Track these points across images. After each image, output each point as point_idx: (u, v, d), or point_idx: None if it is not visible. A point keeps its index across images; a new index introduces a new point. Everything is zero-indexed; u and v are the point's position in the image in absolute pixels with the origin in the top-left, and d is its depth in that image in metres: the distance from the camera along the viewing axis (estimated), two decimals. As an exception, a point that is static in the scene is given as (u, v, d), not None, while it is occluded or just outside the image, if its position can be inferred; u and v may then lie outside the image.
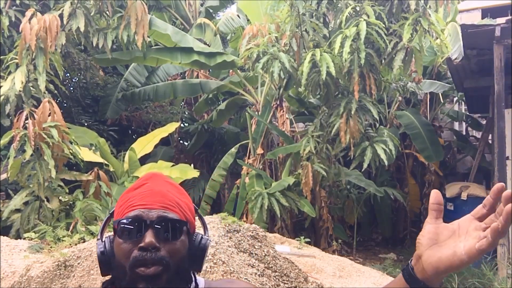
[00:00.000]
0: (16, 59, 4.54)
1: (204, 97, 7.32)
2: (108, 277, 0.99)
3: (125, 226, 0.92)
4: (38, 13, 4.55)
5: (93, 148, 5.49)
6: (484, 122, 7.17)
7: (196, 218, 1.03)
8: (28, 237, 3.72)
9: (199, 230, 1.01)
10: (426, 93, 6.76)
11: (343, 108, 4.54)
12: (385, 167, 5.29)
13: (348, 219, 6.19)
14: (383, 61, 4.68)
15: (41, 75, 4.43)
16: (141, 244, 0.88)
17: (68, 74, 6.82)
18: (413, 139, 6.18)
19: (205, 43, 6.67)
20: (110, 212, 1.04)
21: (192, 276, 1.00)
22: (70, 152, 4.19)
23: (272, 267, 2.96)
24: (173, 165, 5.62)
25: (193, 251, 0.96)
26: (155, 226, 0.90)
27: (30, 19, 4.43)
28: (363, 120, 4.62)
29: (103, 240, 0.98)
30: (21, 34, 4.43)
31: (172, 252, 0.91)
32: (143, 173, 5.41)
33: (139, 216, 0.91)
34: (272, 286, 2.86)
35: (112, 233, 0.98)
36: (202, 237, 0.99)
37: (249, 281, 2.53)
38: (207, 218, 3.54)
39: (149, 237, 0.88)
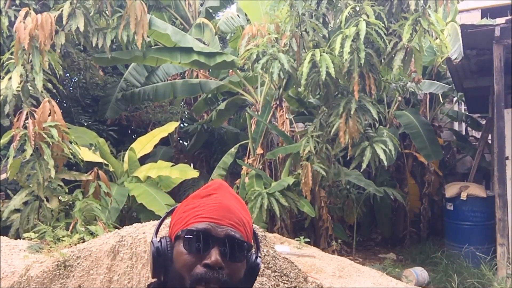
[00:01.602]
0: (13, 58, 4.53)
1: (203, 96, 7.32)
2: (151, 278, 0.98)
3: (192, 237, 0.90)
4: (32, 12, 4.53)
5: (93, 148, 5.49)
6: (483, 122, 7.18)
7: None
8: (27, 237, 3.72)
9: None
10: (426, 93, 6.76)
11: (343, 108, 4.54)
12: (385, 167, 5.29)
13: (348, 219, 6.19)
14: (382, 61, 4.68)
15: (38, 75, 4.42)
16: (207, 262, 0.87)
17: (68, 74, 6.82)
18: (412, 138, 6.19)
19: (204, 43, 6.67)
20: (168, 212, 1.03)
21: None
22: (69, 152, 4.19)
23: (271, 267, 2.96)
24: (172, 165, 5.62)
25: (247, 270, 0.95)
26: (222, 244, 0.90)
27: (24, 18, 4.42)
28: (362, 120, 4.62)
29: (159, 240, 0.96)
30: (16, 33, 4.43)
31: (234, 273, 0.90)
32: (142, 173, 5.42)
33: (207, 230, 0.90)
34: (271, 286, 2.86)
35: (168, 235, 0.97)
36: (256, 258, 0.98)
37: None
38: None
39: (215, 255, 0.88)
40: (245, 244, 0.93)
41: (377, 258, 5.97)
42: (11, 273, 3.07)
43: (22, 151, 4.11)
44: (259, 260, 0.98)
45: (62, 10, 4.84)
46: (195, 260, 0.89)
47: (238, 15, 7.69)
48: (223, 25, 7.39)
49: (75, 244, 3.41)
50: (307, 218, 5.59)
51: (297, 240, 4.43)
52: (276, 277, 2.91)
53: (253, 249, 1.02)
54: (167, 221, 1.07)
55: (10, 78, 4.36)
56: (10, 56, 4.60)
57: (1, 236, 3.73)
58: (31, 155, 4.00)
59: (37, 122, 4.06)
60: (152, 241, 0.96)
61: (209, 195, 0.96)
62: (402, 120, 6.30)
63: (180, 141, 8.24)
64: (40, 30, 4.40)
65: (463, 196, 5.40)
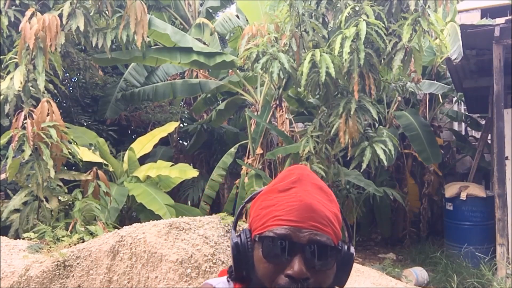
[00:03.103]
0: (15, 58, 4.53)
1: (202, 96, 7.32)
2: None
3: (270, 244, 0.81)
4: (38, 13, 4.54)
5: (92, 148, 5.49)
6: (483, 122, 7.18)
7: None
8: (27, 237, 3.72)
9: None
10: (426, 93, 6.77)
11: (343, 108, 4.54)
12: (385, 167, 5.29)
13: (348, 219, 6.18)
14: (382, 61, 4.68)
15: (41, 75, 4.42)
16: (290, 272, 0.78)
17: (68, 74, 6.82)
18: (411, 140, 6.18)
19: (204, 43, 6.67)
20: (247, 200, 0.94)
21: None
22: (69, 152, 4.19)
23: (271, 267, 2.96)
24: (172, 165, 5.62)
25: (338, 265, 0.85)
26: (307, 252, 0.80)
27: (29, 18, 4.43)
28: (362, 120, 4.62)
29: (238, 234, 0.89)
30: (21, 33, 4.43)
31: (321, 281, 0.82)
32: (142, 173, 5.42)
33: (288, 236, 0.80)
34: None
35: (248, 226, 0.89)
36: (347, 249, 0.88)
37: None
38: (206, 218, 3.54)
39: (299, 265, 0.78)
40: (333, 248, 0.82)
41: (376, 258, 5.97)
42: (10, 273, 3.07)
43: (21, 151, 4.11)
44: (352, 249, 0.89)
45: (62, 10, 4.84)
46: (276, 269, 0.80)
47: (237, 16, 7.69)
48: (219, 25, 7.39)
49: (75, 244, 3.41)
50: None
51: (296, 240, 4.42)
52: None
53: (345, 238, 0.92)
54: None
55: (12, 78, 4.36)
56: (12, 56, 4.60)
57: (1, 236, 3.73)
58: (30, 155, 4.00)
59: (35, 122, 4.06)
60: (231, 236, 0.89)
61: (288, 189, 0.85)
62: (402, 121, 6.30)
63: (180, 141, 8.24)
64: (47, 32, 4.40)
65: (463, 196, 5.41)
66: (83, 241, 3.48)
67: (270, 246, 0.81)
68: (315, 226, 0.81)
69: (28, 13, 4.47)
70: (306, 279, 0.79)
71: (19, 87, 4.32)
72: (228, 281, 0.92)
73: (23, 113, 4.12)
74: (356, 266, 4.03)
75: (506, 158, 4.60)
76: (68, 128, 4.40)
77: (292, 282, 0.78)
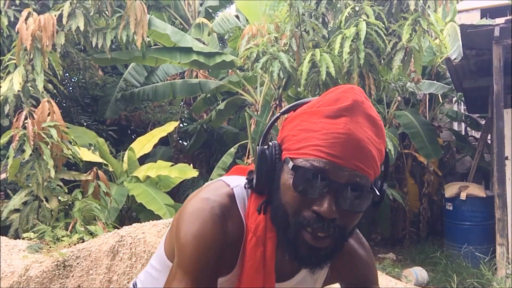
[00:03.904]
0: (14, 59, 4.53)
1: (202, 96, 7.32)
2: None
3: (304, 175, 0.73)
4: (34, 13, 4.54)
5: (92, 148, 5.49)
6: (483, 122, 7.18)
7: None
8: (27, 237, 3.72)
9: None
10: (425, 93, 6.77)
11: (342, 108, 4.54)
12: (384, 167, 5.28)
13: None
14: (382, 61, 4.68)
15: (39, 75, 4.42)
16: (318, 209, 0.72)
17: (67, 74, 6.82)
18: (411, 138, 6.19)
19: (203, 43, 6.67)
20: (283, 111, 0.85)
21: None
22: (69, 152, 4.19)
23: (271, 267, 2.96)
24: (172, 165, 5.62)
25: (372, 200, 0.78)
26: (341, 192, 0.73)
27: (26, 19, 4.42)
28: (362, 120, 4.62)
29: (266, 146, 0.81)
30: (18, 34, 4.43)
31: (348, 223, 0.76)
32: (142, 173, 5.42)
33: (326, 171, 0.72)
34: (271, 286, 2.86)
35: (278, 139, 0.81)
36: (381, 185, 0.81)
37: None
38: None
39: (329, 205, 0.72)
40: (370, 191, 0.75)
41: (376, 258, 5.97)
42: (10, 273, 3.07)
43: (21, 151, 4.11)
44: (385, 185, 0.83)
45: (61, 10, 4.84)
46: (304, 202, 0.74)
47: (237, 16, 7.69)
48: (217, 26, 7.39)
49: (75, 244, 3.41)
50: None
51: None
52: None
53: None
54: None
55: (11, 79, 4.36)
56: (11, 56, 4.60)
57: (1, 236, 3.72)
58: (30, 155, 4.00)
59: (36, 122, 4.06)
60: (257, 147, 0.81)
61: (336, 117, 0.74)
62: (402, 120, 6.30)
63: (180, 141, 8.24)
64: (43, 31, 4.40)
65: (463, 196, 5.41)
66: (83, 241, 3.48)
67: (304, 177, 0.73)
68: (358, 166, 0.73)
69: (24, 13, 4.46)
70: (333, 219, 0.73)
71: (19, 88, 4.32)
72: (245, 187, 0.85)
73: (24, 113, 4.12)
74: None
75: (506, 158, 4.60)
76: (68, 128, 4.40)
77: (319, 220, 0.72)
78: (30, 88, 4.49)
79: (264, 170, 0.79)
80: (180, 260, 0.81)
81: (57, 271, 3.03)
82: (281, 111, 0.86)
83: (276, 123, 0.97)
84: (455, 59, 5.23)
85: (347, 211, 0.74)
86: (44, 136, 4.01)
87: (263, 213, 0.82)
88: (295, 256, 0.77)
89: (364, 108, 0.76)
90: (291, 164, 0.75)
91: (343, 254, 0.89)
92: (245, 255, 0.82)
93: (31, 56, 4.46)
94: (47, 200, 4.14)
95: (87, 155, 5.11)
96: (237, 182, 0.88)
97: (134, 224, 3.36)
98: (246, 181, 0.86)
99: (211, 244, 0.79)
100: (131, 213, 5.65)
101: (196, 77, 7.22)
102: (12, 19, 5.18)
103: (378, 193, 0.79)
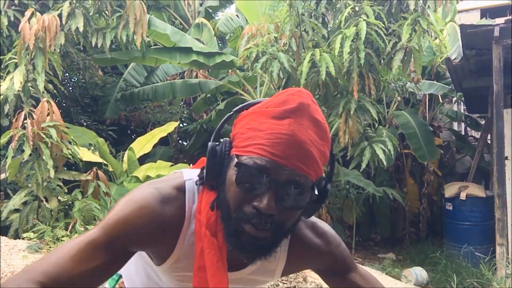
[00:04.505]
0: (15, 59, 4.53)
1: (202, 96, 7.32)
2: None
3: (246, 172, 0.77)
4: (38, 13, 4.54)
5: (92, 148, 5.49)
6: (483, 122, 7.18)
7: None
8: (27, 237, 3.71)
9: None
10: (425, 93, 6.77)
11: (342, 108, 4.54)
12: (384, 167, 5.29)
13: (347, 219, 6.19)
14: (382, 61, 4.68)
15: (40, 75, 4.42)
16: (257, 205, 0.76)
17: (67, 74, 6.82)
18: (408, 138, 6.20)
19: (203, 43, 6.67)
20: (236, 110, 0.89)
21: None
22: (68, 152, 4.19)
23: (271, 267, 2.95)
24: (172, 165, 5.61)
25: (314, 198, 0.82)
26: (281, 189, 0.76)
27: (29, 19, 4.43)
28: (362, 120, 4.62)
29: (218, 142, 0.85)
30: (20, 34, 4.43)
31: (288, 219, 0.80)
32: (142, 173, 5.42)
33: (267, 170, 0.75)
34: (271, 286, 2.86)
35: (230, 137, 0.85)
36: (324, 185, 0.85)
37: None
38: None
39: (268, 201, 0.75)
40: (309, 190, 0.79)
41: (376, 258, 5.97)
42: (10, 273, 3.06)
43: (21, 151, 4.11)
44: (329, 186, 0.86)
45: (61, 10, 4.84)
46: (246, 197, 0.77)
47: (237, 15, 7.68)
48: (222, 25, 7.38)
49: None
50: (307, 218, 5.58)
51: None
52: (276, 277, 2.91)
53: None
54: None
55: (12, 78, 4.36)
56: (11, 56, 4.60)
57: (1, 236, 3.72)
58: (30, 155, 3.99)
59: (35, 122, 4.06)
60: (209, 143, 0.84)
61: (281, 118, 0.77)
62: (400, 120, 6.31)
63: (180, 141, 8.24)
64: (47, 32, 4.40)
65: (462, 196, 5.41)
66: (83, 241, 3.47)
67: (246, 174, 0.77)
68: (298, 166, 0.76)
69: (28, 13, 4.46)
70: (272, 215, 0.76)
71: (19, 87, 4.32)
72: (197, 184, 0.89)
73: (23, 113, 4.12)
74: (355, 266, 4.03)
75: (506, 158, 4.60)
76: (68, 128, 4.39)
77: (257, 215, 0.76)
78: (30, 88, 4.49)
79: (213, 166, 0.83)
80: (103, 220, 0.87)
81: (57, 271, 3.03)
82: (234, 109, 0.89)
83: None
84: (455, 59, 5.23)
85: (286, 208, 0.78)
86: (44, 136, 4.01)
87: (215, 208, 0.85)
88: (236, 245, 0.81)
89: (309, 111, 0.79)
90: (235, 161, 0.79)
91: (298, 246, 0.94)
92: (200, 247, 0.86)
93: (32, 56, 4.46)
94: (47, 200, 4.14)
95: (87, 155, 5.11)
96: (193, 175, 0.92)
97: (134, 224, 3.35)
98: (198, 178, 0.89)
99: (137, 219, 0.83)
100: (131, 213, 5.64)
101: (196, 77, 7.22)
102: (12, 19, 5.18)
103: (319, 192, 0.83)
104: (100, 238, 0.84)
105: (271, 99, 0.82)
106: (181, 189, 0.90)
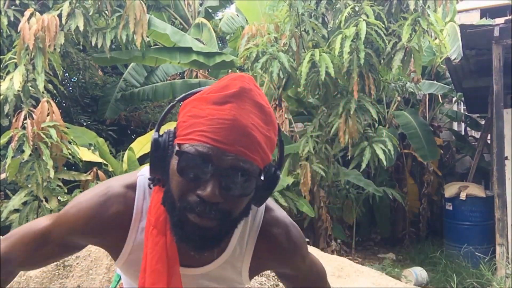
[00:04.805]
0: (14, 59, 4.53)
1: (202, 96, 7.31)
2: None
3: (188, 161, 0.75)
4: (37, 13, 4.54)
5: (92, 148, 5.48)
6: (483, 122, 7.18)
7: None
8: (26, 237, 3.71)
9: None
10: (425, 93, 6.77)
11: (342, 108, 4.54)
12: (384, 167, 5.30)
13: (347, 219, 6.19)
14: (382, 61, 4.68)
15: (40, 75, 4.42)
16: (201, 193, 0.74)
17: (67, 74, 6.82)
18: (409, 138, 6.20)
19: (203, 43, 6.67)
20: (178, 99, 0.86)
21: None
22: (68, 152, 4.19)
23: (271, 267, 2.96)
24: (172, 165, 5.60)
25: (259, 186, 0.80)
26: (224, 176, 0.74)
27: (29, 19, 4.43)
28: (362, 120, 4.62)
29: (160, 133, 0.82)
30: (20, 33, 4.43)
31: (234, 207, 0.78)
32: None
33: (208, 157, 0.73)
34: (271, 286, 2.86)
35: (175, 127, 0.82)
36: (274, 172, 0.83)
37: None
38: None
39: (212, 188, 0.73)
40: (255, 176, 0.77)
41: (376, 258, 5.97)
42: (10, 273, 3.06)
43: (21, 151, 4.11)
44: (278, 173, 0.83)
45: (61, 10, 4.84)
46: (189, 186, 0.75)
47: (237, 15, 7.68)
48: (224, 25, 7.38)
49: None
50: (306, 218, 5.59)
51: (296, 240, 4.42)
52: (275, 277, 2.91)
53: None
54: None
55: (11, 78, 4.36)
56: (11, 56, 4.59)
57: (1, 236, 3.72)
58: (30, 155, 3.99)
59: (35, 122, 4.05)
60: (152, 135, 0.82)
61: (222, 104, 0.75)
62: (400, 120, 6.31)
63: (180, 141, 8.23)
64: (46, 32, 4.40)
65: (462, 196, 5.41)
66: (83, 241, 3.47)
67: (187, 162, 0.74)
68: (242, 152, 0.74)
69: (27, 13, 4.46)
70: (217, 203, 0.74)
71: (19, 87, 4.32)
72: (150, 187, 0.89)
73: (23, 113, 4.12)
74: (355, 266, 4.03)
75: (506, 158, 4.60)
76: (67, 128, 4.39)
77: (202, 203, 0.74)
78: (30, 88, 4.49)
79: (156, 158, 0.80)
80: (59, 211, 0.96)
81: (57, 271, 3.03)
82: (177, 98, 0.87)
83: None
84: (455, 59, 5.23)
85: (231, 196, 0.75)
86: (44, 136, 4.01)
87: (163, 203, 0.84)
88: (181, 236, 0.79)
89: (251, 96, 0.77)
90: (177, 147, 0.77)
91: (264, 244, 0.93)
92: (145, 246, 0.86)
93: (32, 56, 4.46)
94: (46, 200, 4.14)
95: (87, 155, 5.11)
96: (147, 173, 0.91)
97: (133, 224, 3.35)
98: (149, 180, 0.88)
99: (78, 220, 0.89)
100: (131, 213, 5.64)
101: (196, 77, 7.22)
102: (12, 19, 5.18)
103: (267, 178, 0.80)
104: (49, 229, 0.93)
105: (212, 85, 0.80)
106: (132, 186, 0.90)
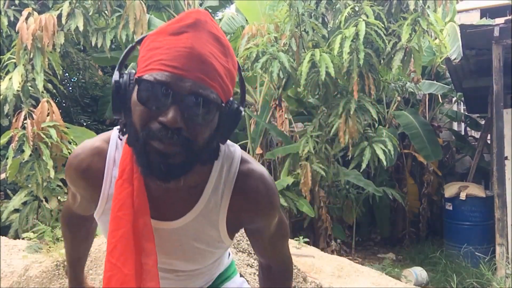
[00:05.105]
0: (13, 58, 4.53)
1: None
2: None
3: (148, 89, 0.76)
4: (35, 13, 4.54)
5: (92, 148, 5.48)
6: (483, 122, 7.19)
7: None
8: (26, 237, 3.71)
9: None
10: (425, 93, 6.77)
11: (342, 108, 4.55)
12: (384, 167, 5.30)
13: (347, 219, 6.20)
14: (382, 61, 4.68)
15: (39, 75, 4.42)
16: (163, 119, 0.75)
17: (67, 74, 6.82)
18: (411, 138, 6.19)
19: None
20: (137, 41, 0.86)
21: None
22: (68, 152, 4.19)
23: (271, 267, 2.96)
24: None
25: (222, 121, 0.82)
26: (185, 102, 0.75)
27: (26, 18, 4.42)
28: (362, 120, 4.62)
29: (121, 74, 0.83)
30: (19, 33, 4.43)
31: (197, 135, 0.78)
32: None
33: (167, 83, 0.75)
34: (271, 286, 2.86)
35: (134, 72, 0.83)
36: (236, 107, 0.84)
37: (248, 281, 2.53)
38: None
39: (173, 114, 0.74)
40: (215, 103, 0.78)
41: (376, 258, 5.97)
42: (10, 273, 3.07)
43: (21, 151, 4.11)
44: (241, 108, 0.85)
45: (61, 10, 4.84)
46: (151, 114, 0.76)
47: (237, 15, 7.68)
48: (225, 25, 7.38)
49: (74, 244, 3.40)
50: (306, 218, 5.59)
51: (296, 240, 4.43)
52: (276, 277, 2.91)
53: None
54: None
55: (10, 78, 4.36)
56: (10, 56, 4.59)
57: (1, 236, 3.73)
58: (30, 155, 3.99)
59: (35, 122, 4.05)
60: (113, 76, 0.82)
61: (178, 34, 0.77)
62: (401, 120, 6.31)
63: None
64: (44, 31, 4.40)
65: (462, 196, 5.41)
66: (83, 241, 3.47)
67: (147, 90, 0.75)
68: (200, 78, 0.75)
69: (25, 13, 4.46)
70: (179, 129, 0.75)
71: (18, 87, 4.32)
72: (120, 138, 0.91)
73: (23, 113, 4.12)
74: (355, 266, 4.03)
75: (506, 158, 4.60)
76: (67, 128, 4.39)
77: (164, 129, 0.75)
78: (29, 87, 4.49)
79: (117, 98, 0.82)
80: None
81: (57, 271, 3.03)
82: (136, 39, 0.87)
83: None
84: (455, 59, 5.23)
85: (193, 123, 0.77)
86: (44, 136, 4.01)
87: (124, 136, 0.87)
88: (146, 166, 0.79)
89: (207, 27, 0.79)
90: (137, 79, 0.78)
91: (240, 195, 0.93)
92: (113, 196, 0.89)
93: (31, 56, 4.46)
94: (46, 200, 4.14)
95: (86, 155, 5.11)
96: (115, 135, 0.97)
97: (133, 224, 3.35)
98: (119, 130, 0.90)
99: (66, 171, 0.99)
100: (131, 213, 5.64)
101: (196, 77, 7.22)
102: (12, 19, 5.18)
103: (230, 113, 0.83)
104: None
105: (170, 21, 0.82)
106: (107, 139, 0.96)
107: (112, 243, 0.87)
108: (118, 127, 0.91)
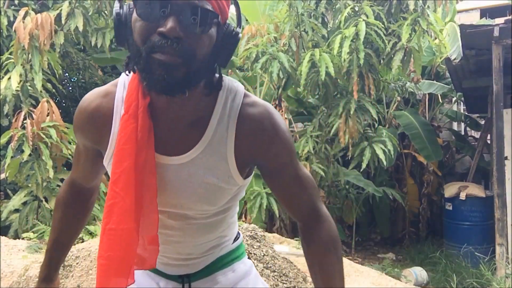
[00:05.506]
0: (12, 58, 4.53)
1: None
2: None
3: (146, 3, 0.79)
4: (32, 12, 4.53)
5: (92, 148, 5.48)
6: (482, 122, 7.19)
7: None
8: (26, 237, 3.71)
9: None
10: (425, 93, 6.77)
11: (342, 108, 4.55)
12: (384, 167, 5.30)
13: (347, 219, 6.20)
14: (382, 61, 4.68)
15: (37, 74, 4.42)
16: (162, 30, 0.77)
17: (67, 74, 6.81)
18: (412, 139, 6.19)
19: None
20: None
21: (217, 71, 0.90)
22: (68, 152, 4.19)
23: (271, 267, 2.96)
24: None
25: (220, 43, 0.86)
26: (182, 12, 0.79)
27: (24, 18, 4.42)
28: (362, 120, 4.62)
29: (121, 5, 0.86)
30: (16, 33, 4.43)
31: (196, 44, 0.81)
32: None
33: None
34: (271, 285, 2.86)
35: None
36: (233, 29, 0.88)
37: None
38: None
39: (172, 23, 0.77)
40: (213, 13, 0.81)
41: (376, 258, 5.97)
42: (10, 273, 3.07)
43: (21, 151, 4.11)
44: (236, 31, 0.87)
45: (61, 10, 4.84)
46: (151, 28, 0.79)
47: (237, 15, 7.69)
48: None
49: (74, 244, 3.41)
50: (306, 218, 5.58)
51: (296, 240, 4.44)
52: (275, 277, 2.92)
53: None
54: None
55: (9, 78, 4.36)
56: (9, 56, 4.59)
57: (1, 236, 3.73)
58: (30, 155, 4.00)
59: (35, 122, 4.05)
60: (113, 8, 0.85)
61: None
62: (401, 120, 6.30)
63: (179, 141, 8.23)
64: (41, 30, 4.39)
65: (462, 196, 5.41)
66: (83, 241, 3.48)
67: (145, 4, 0.79)
68: None
69: (22, 12, 4.45)
70: (178, 39, 0.78)
71: (17, 87, 4.32)
72: (126, 73, 0.92)
73: (22, 113, 4.12)
74: (355, 266, 4.03)
75: (506, 158, 4.60)
76: (67, 128, 4.39)
77: (164, 39, 0.77)
78: (29, 87, 4.48)
79: (120, 27, 0.85)
80: None
81: (57, 271, 3.03)
82: None
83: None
84: (454, 59, 5.23)
85: (192, 34, 0.79)
86: (44, 136, 4.01)
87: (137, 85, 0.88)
88: (149, 80, 0.81)
89: None
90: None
91: (246, 123, 0.93)
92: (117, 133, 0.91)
93: (29, 55, 4.46)
94: (46, 200, 4.13)
95: (86, 155, 5.11)
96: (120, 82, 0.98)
97: (133, 224, 3.34)
98: (124, 66, 0.91)
99: (78, 118, 1.00)
100: (131, 213, 5.63)
101: (196, 77, 7.22)
102: (11, 19, 5.18)
103: (226, 34, 0.86)
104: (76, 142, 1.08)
105: None
106: (115, 83, 0.98)
107: (116, 173, 0.90)
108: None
